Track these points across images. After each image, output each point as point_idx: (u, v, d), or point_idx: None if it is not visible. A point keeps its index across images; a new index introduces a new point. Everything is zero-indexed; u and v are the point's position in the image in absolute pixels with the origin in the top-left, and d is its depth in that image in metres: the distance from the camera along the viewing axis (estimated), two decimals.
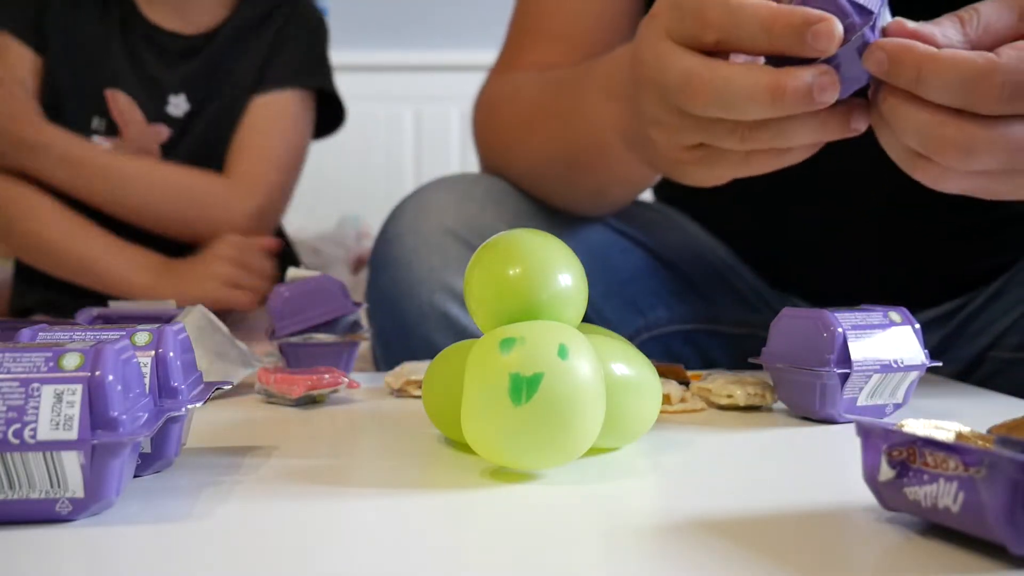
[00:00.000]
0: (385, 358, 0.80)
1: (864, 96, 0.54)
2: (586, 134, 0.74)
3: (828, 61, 0.51)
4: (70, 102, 1.23)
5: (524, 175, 0.83)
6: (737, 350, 0.88)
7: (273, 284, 0.94)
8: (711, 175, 0.60)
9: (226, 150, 1.23)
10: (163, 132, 1.22)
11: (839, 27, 0.50)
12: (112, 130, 1.23)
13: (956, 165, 0.50)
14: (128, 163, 1.19)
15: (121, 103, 1.22)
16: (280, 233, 1.36)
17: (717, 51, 0.54)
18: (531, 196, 0.84)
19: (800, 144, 0.55)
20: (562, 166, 0.79)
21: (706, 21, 0.53)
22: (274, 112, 1.24)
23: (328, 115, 1.32)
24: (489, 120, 0.87)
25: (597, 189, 0.80)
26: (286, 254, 1.34)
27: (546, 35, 0.87)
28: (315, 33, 1.29)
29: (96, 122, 1.23)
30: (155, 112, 1.22)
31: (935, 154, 0.51)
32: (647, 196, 0.97)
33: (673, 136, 0.58)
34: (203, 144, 1.23)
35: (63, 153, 1.17)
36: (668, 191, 0.99)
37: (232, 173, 1.22)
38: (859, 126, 0.54)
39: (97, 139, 1.23)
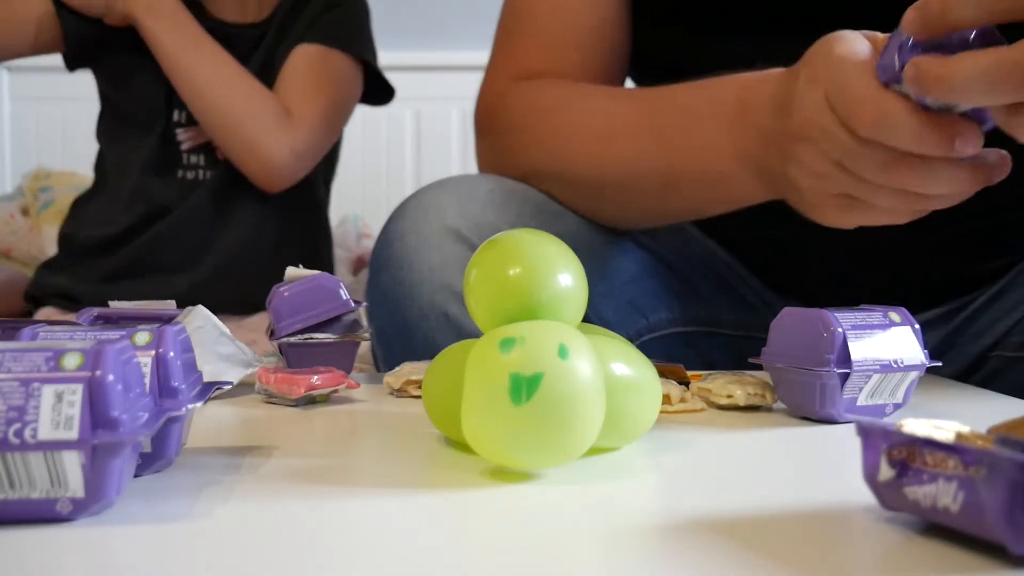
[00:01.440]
0: (385, 358, 0.80)
1: None
2: (695, 156, 0.74)
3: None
4: (150, 97, 1.25)
5: (590, 187, 0.82)
6: (737, 352, 0.88)
7: None
8: (846, 220, 0.64)
9: None
10: None
11: None
12: (192, 120, 1.25)
13: None
14: (218, 48, 1.21)
15: None
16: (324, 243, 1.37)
17: None
18: (537, 197, 0.83)
19: (943, 192, 0.58)
20: (659, 185, 0.78)
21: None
22: (314, 60, 1.24)
23: (378, 90, 1.34)
24: (539, 126, 0.85)
25: (694, 209, 0.80)
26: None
27: (541, 39, 0.87)
28: (351, 6, 1.30)
29: (177, 115, 1.26)
30: None
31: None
32: None
33: (823, 185, 0.62)
34: None
35: (175, 12, 1.19)
36: None
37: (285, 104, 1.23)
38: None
39: (180, 132, 1.25)
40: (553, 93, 0.85)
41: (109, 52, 1.26)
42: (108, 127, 1.32)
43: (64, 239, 1.32)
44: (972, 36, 0.53)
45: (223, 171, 1.25)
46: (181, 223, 1.24)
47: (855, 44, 0.59)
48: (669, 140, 0.76)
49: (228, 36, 1.24)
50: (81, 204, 1.34)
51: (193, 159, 1.26)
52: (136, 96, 1.27)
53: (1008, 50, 0.49)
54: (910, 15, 0.53)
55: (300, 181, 1.28)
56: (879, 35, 0.60)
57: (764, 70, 0.70)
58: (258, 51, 1.26)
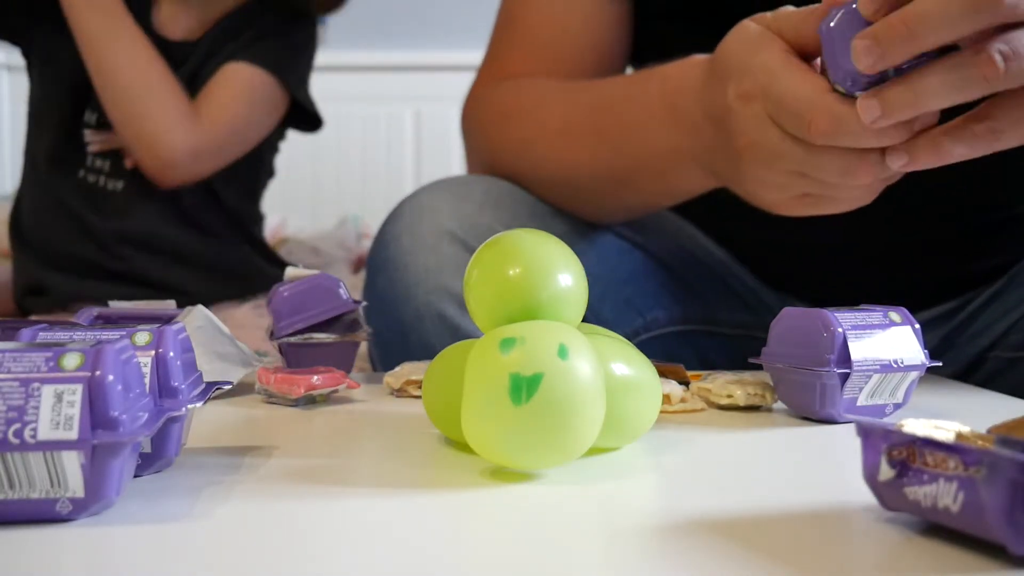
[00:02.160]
0: (382, 359, 0.80)
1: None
2: (650, 158, 0.74)
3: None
4: (62, 94, 1.24)
5: (555, 186, 0.83)
6: (735, 351, 0.88)
7: None
8: (809, 213, 0.64)
9: None
10: None
11: None
12: (102, 124, 1.24)
13: (1008, 80, 0.50)
14: (139, 34, 1.20)
15: None
16: (258, 239, 1.37)
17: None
18: (531, 198, 0.83)
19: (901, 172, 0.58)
20: (611, 183, 0.79)
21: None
22: (239, 76, 1.24)
23: (308, 117, 1.34)
24: (506, 128, 0.86)
25: (649, 203, 0.81)
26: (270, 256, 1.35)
27: (533, 46, 0.87)
28: (290, 36, 1.30)
29: (88, 115, 1.25)
30: None
31: (975, 89, 0.51)
32: None
33: (782, 193, 0.62)
34: None
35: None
36: None
37: (196, 107, 1.23)
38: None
39: (88, 133, 1.24)
40: (521, 94, 0.86)
41: (36, 28, 1.26)
42: (30, 111, 1.32)
43: (10, 226, 1.33)
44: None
45: (135, 183, 1.24)
46: (110, 239, 1.24)
47: (770, 46, 0.58)
48: (615, 140, 0.77)
49: (166, 51, 1.24)
50: (19, 191, 1.35)
51: (98, 163, 1.25)
52: (51, 80, 1.26)
53: None
54: None
55: (209, 195, 1.28)
56: (769, 15, 0.60)
57: (683, 58, 0.70)
58: (185, 66, 1.26)
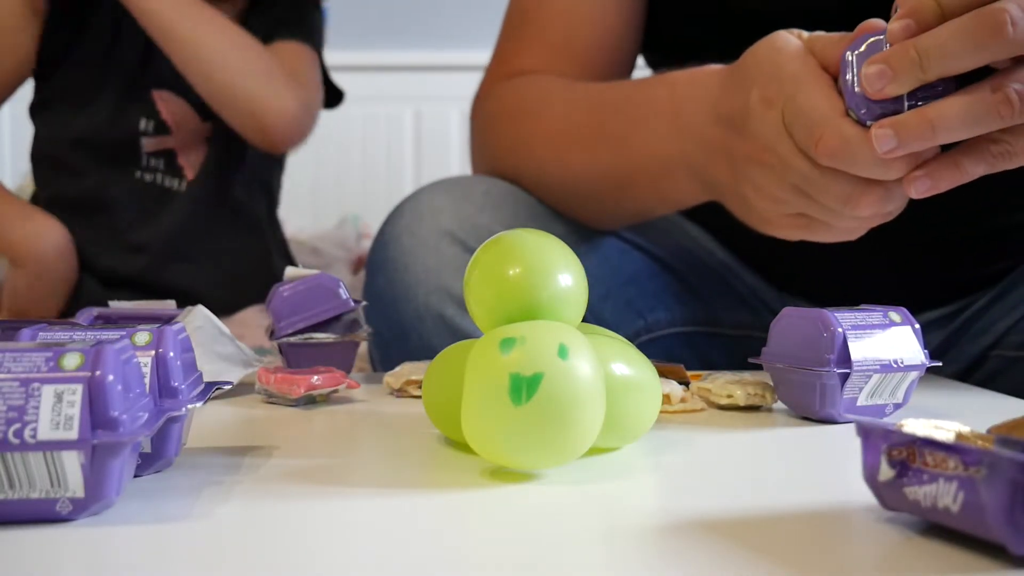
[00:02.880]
0: (382, 359, 0.80)
1: None
2: (645, 162, 0.74)
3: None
4: (117, 103, 1.22)
5: (555, 188, 0.82)
6: (736, 352, 0.88)
7: None
8: (799, 236, 0.64)
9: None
10: (208, 129, 1.23)
11: None
12: (160, 129, 1.22)
13: (1022, 117, 0.51)
14: (214, 11, 1.16)
15: (172, 105, 1.22)
16: (278, 231, 1.37)
17: None
18: (531, 199, 0.83)
19: (900, 207, 0.59)
20: (609, 187, 0.79)
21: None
22: (300, 54, 1.24)
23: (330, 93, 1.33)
24: (509, 128, 0.86)
25: (644, 210, 0.81)
26: (284, 253, 1.34)
27: (544, 42, 0.87)
28: (313, 11, 1.29)
29: (144, 123, 1.23)
30: (203, 109, 1.22)
31: (990, 125, 0.52)
32: None
33: (779, 208, 0.62)
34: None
35: None
36: None
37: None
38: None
39: (145, 141, 1.22)
40: (526, 93, 0.85)
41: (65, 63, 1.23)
42: (56, 125, 1.27)
43: None
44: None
45: (198, 188, 1.23)
46: (169, 244, 1.23)
47: (805, 59, 0.58)
48: (614, 142, 0.76)
49: None
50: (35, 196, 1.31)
51: (153, 162, 1.24)
52: (94, 100, 1.22)
53: (975, 11, 0.50)
54: (897, 25, 0.52)
55: (257, 184, 1.28)
56: (805, 34, 0.60)
57: (695, 67, 0.70)
58: None
